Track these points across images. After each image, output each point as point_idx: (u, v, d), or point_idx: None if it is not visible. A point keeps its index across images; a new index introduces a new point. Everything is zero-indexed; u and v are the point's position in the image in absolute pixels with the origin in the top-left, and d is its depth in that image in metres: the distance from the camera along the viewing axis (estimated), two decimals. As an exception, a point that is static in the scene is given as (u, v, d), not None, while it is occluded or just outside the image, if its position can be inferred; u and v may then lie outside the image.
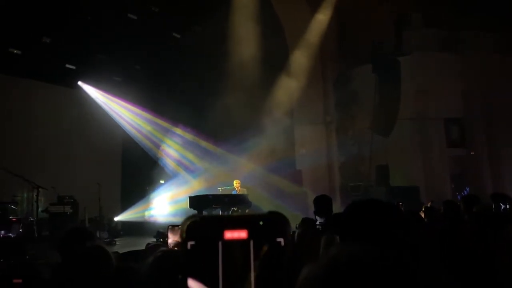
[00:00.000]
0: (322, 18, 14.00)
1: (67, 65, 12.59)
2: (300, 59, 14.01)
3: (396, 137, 13.45)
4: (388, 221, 1.22)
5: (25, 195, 10.59)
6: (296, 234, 3.18)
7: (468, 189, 13.03)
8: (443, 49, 13.85)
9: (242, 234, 0.69)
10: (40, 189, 9.56)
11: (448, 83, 13.45)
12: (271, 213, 0.72)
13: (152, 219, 13.53)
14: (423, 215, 4.51)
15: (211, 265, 0.67)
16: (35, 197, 9.59)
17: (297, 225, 3.40)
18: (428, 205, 6.95)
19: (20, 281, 1.87)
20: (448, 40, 13.96)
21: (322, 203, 3.93)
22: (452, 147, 13.97)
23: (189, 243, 0.68)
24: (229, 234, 0.68)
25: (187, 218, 0.70)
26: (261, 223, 0.70)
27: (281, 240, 0.69)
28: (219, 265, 0.67)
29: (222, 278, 0.67)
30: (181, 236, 0.69)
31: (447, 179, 13.66)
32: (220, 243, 0.68)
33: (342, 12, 14.26)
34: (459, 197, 11.42)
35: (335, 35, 14.78)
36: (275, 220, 0.71)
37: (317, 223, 3.77)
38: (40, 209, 9.84)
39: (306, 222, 3.40)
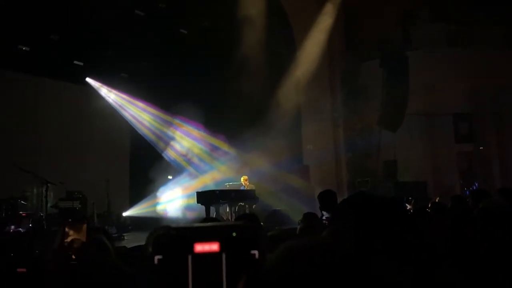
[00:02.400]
0: (329, 13, 13.93)
1: (75, 62, 12.66)
2: (307, 54, 13.97)
3: (404, 133, 13.37)
4: (381, 216, 1.22)
5: (35, 190, 10.68)
6: (298, 229, 3.19)
7: (476, 184, 12.94)
8: (452, 44, 13.73)
9: (213, 246, 0.64)
10: (49, 185, 9.64)
11: (457, 78, 13.34)
12: (244, 224, 0.67)
13: (164, 214, 13.62)
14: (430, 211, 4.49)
15: (180, 281, 0.62)
16: (44, 192, 9.68)
17: (299, 221, 3.40)
18: (436, 201, 6.91)
19: (24, 270, 1.89)
20: (457, 35, 13.82)
21: (327, 198, 3.94)
22: (460, 143, 13.87)
23: (156, 257, 0.63)
24: (200, 247, 0.63)
25: (154, 230, 0.65)
26: (234, 234, 0.65)
27: (255, 252, 0.65)
28: (189, 281, 0.62)
29: None
30: (147, 249, 0.64)
31: (455, 175, 13.58)
32: (190, 257, 0.63)
33: (349, 7, 14.19)
34: (467, 192, 11.37)
35: (342, 30, 14.72)
36: (249, 231, 0.66)
37: (323, 218, 3.78)
38: (49, 205, 9.92)
39: (308, 217, 3.40)
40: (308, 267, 0.64)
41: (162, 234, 0.65)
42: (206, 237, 0.64)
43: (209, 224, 0.68)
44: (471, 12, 12.77)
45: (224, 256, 0.64)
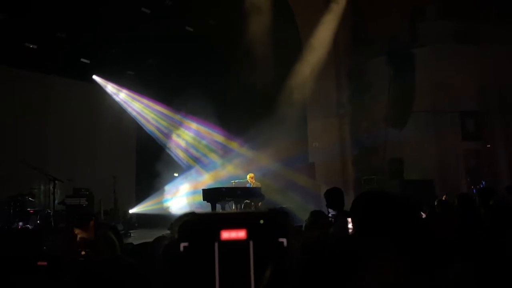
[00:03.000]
0: (336, 9, 13.86)
1: (82, 59, 12.72)
2: (314, 51, 13.92)
3: (411, 130, 13.30)
4: (394, 213, 1.22)
5: (42, 187, 10.76)
6: (303, 226, 3.19)
7: (484, 182, 12.85)
8: (459, 41, 13.61)
9: (240, 234, 0.62)
10: (56, 182, 9.71)
11: (464, 76, 13.22)
12: (272, 211, 0.65)
13: (169, 211, 13.68)
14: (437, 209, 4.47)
15: (206, 268, 0.61)
16: (51, 189, 9.75)
17: (306, 219, 3.39)
18: (443, 199, 6.88)
19: (45, 263, 1.91)
20: (465, 31, 13.70)
21: (333, 196, 3.93)
22: (467, 140, 13.76)
23: (182, 245, 0.62)
24: (227, 234, 0.62)
25: (180, 217, 0.64)
26: (261, 221, 0.64)
27: (283, 240, 0.63)
28: (215, 269, 0.61)
29: (219, 283, 0.61)
30: (173, 236, 0.63)
31: (462, 173, 13.49)
32: (216, 244, 0.62)
33: (356, 3, 14.11)
34: (474, 190, 11.29)
35: (349, 26, 14.64)
36: (277, 218, 0.64)
37: (330, 215, 3.77)
38: (56, 202, 10.00)
39: (315, 215, 3.39)
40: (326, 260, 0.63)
41: (188, 221, 0.64)
42: (233, 224, 0.63)
43: (235, 211, 0.66)
44: (479, 8, 12.65)
45: (251, 243, 0.62)
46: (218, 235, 0.62)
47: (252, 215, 0.64)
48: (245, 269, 0.61)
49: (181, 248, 0.62)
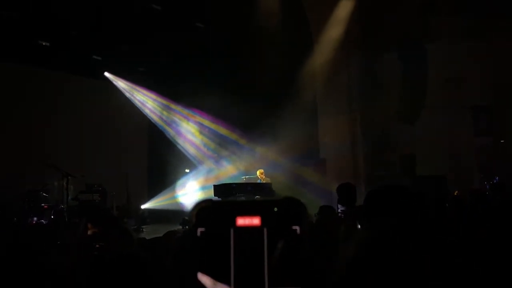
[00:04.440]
0: (347, 4, 13.78)
1: (94, 56, 12.82)
2: (324, 46, 13.86)
3: (423, 126, 13.20)
4: (405, 207, 1.23)
5: (56, 183, 10.91)
6: (314, 221, 3.20)
7: (497, 178, 12.71)
8: (472, 36, 13.44)
9: (255, 221, 0.65)
10: (69, 177, 9.83)
11: (476, 71, 13.07)
12: (286, 199, 0.68)
13: (180, 206, 13.78)
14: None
15: (222, 253, 0.64)
16: (65, 185, 9.88)
17: (315, 214, 3.40)
18: (455, 194, 6.84)
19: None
20: (477, 27, 13.52)
21: (345, 191, 3.93)
22: (480, 136, 13.62)
23: (199, 230, 0.65)
24: (242, 221, 0.65)
25: (198, 203, 0.67)
26: (275, 209, 0.66)
27: (297, 228, 0.65)
28: (231, 253, 0.64)
29: (234, 267, 0.64)
30: (190, 221, 0.65)
31: (475, 169, 13.36)
32: (232, 230, 0.64)
33: (367, -2, 14.00)
34: (487, 186, 11.18)
35: (360, 22, 14.53)
36: (291, 206, 0.67)
37: (339, 211, 3.78)
38: (70, 197, 10.13)
39: (324, 210, 3.40)
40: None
41: (205, 207, 0.66)
42: (248, 211, 0.65)
43: (251, 199, 0.69)
44: (492, 3, 12.47)
45: (265, 230, 0.65)
46: (233, 221, 0.65)
47: (266, 203, 0.67)
48: (259, 254, 0.64)
49: (198, 233, 0.65)
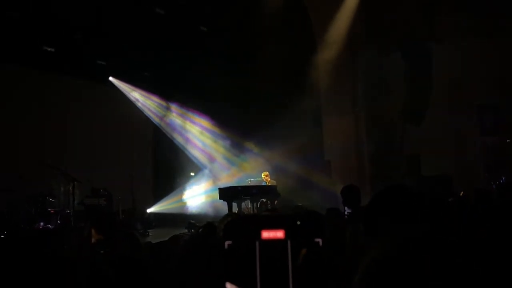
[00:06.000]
0: (350, 3, 13.76)
1: (98, 61, 12.89)
2: (327, 47, 13.84)
3: (428, 126, 13.14)
4: (410, 210, 1.23)
5: (62, 188, 10.95)
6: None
7: (504, 178, 12.62)
8: (478, 35, 13.37)
9: (279, 234, 0.68)
10: (75, 182, 9.88)
11: (482, 70, 13.00)
12: (308, 213, 0.70)
13: (186, 210, 13.80)
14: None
15: (248, 265, 0.67)
16: (71, 189, 9.92)
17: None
18: (461, 195, 6.80)
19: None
20: (483, 25, 13.46)
21: (350, 193, 3.92)
22: (486, 135, 13.54)
23: (227, 243, 0.68)
24: (266, 234, 0.68)
25: (225, 217, 0.71)
26: (298, 222, 0.69)
27: (319, 240, 0.69)
28: (257, 265, 0.67)
29: (260, 278, 0.67)
30: (218, 234, 0.69)
31: (480, 168, 13.27)
32: (257, 243, 0.68)
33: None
34: (494, 186, 11.10)
35: (364, 21, 14.50)
36: (313, 220, 0.71)
37: (346, 213, 3.77)
38: (76, 202, 10.17)
39: (330, 213, 3.40)
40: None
41: (232, 221, 0.69)
42: (272, 225, 0.69)
43: (275, 213, 0.72)
44: (498, 2, 12.41)
45: (289, 243, 0.68)
46: (259, 234, 0.68)
47: (290, 217, 0.70)
48: (284, 266, 0.67)
49: (226, 246, 0.68)
